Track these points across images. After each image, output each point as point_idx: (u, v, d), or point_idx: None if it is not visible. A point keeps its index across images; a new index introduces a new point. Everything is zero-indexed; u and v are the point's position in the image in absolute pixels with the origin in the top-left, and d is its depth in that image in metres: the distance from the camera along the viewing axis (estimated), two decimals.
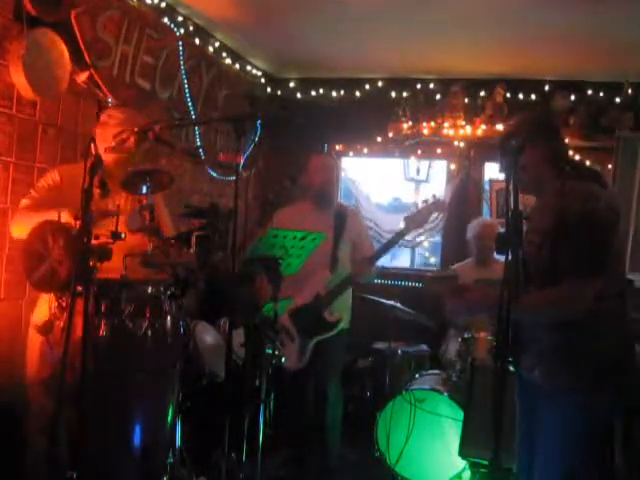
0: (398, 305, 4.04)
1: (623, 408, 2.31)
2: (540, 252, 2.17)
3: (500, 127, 4.94)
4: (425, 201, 3.71)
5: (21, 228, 2.76)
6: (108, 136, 2.83)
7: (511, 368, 2.27)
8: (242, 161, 2.60)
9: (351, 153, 5.70)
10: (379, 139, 5.41)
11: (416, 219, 3.67)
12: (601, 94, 4.90)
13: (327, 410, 3.68)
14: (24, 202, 2.90)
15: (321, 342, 3.62)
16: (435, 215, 4.24)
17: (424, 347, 4.72)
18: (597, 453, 2.13)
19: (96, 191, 2.33)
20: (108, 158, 2.81)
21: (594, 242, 2.09)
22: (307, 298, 3.60)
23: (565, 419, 2.12)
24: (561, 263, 2.10)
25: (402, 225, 3.67)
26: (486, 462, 3.15)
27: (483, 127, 5.07)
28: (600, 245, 2.10)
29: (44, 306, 2.67)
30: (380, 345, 4.65)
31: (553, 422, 2.15)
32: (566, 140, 2.43)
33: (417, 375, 4.11)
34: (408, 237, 5.36)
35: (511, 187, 1.84)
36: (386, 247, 3.77)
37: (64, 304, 2.51)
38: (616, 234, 2.20)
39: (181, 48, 4.20)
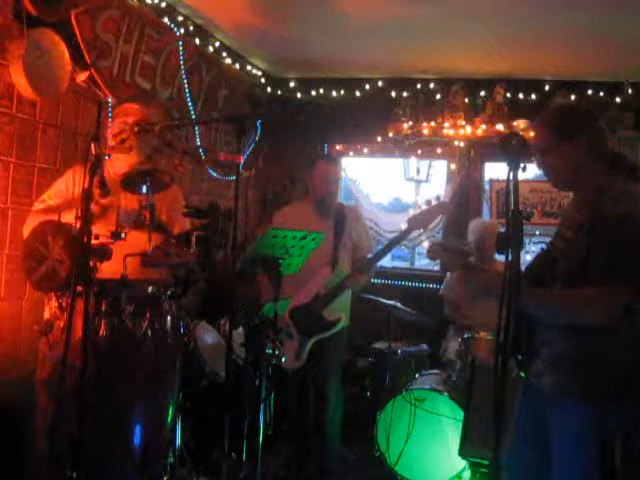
0: (398, 305, 4.03)
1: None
2: (571, 248, 2.07)
3: (500, 127, 4.94)
4: (428, 202, 3.64)
5: None
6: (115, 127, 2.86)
7: (522, 374, 2.18)
8: (242, 161, 2.59)
9: (351, 153, 5.69)
10: (379, 139, 5.40)
11: (419, 221, 3.62)
12: (601, 94, 4.90)
13: (327, 410, 3.67)
14: (38, 206, 2.89)
15: (320, 341, 3.61)
16: (439, 218, 4.17)
17: (424, 347, 4.71)
18: (609, 460, 2.05)
19: (96, 191, 2.33)
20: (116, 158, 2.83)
21: (632, 248, 1.95)
22: (307, 297, 3.59)
23: (576, 427, 2.04)
24: (593, 265, 1.97)
25: (404, 226, 3.64)
26: (486, 462, 3.15)
27: (483, 127, 5.06)
28: (637, 252, 1.96)
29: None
30: (380, 345, 4.65)
31: (563, 430, 2.07)
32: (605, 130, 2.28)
33: (417, 375, 4.11)
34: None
35: (511, 187, 1.83)
36: (387, 248, 3.73)
37: (64, 304, 2.51)
38: None
39: (181, 48, 4.20)
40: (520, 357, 2.08)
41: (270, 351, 2.88)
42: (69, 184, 2.90)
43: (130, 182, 2.72)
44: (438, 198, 3.65)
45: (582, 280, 2.00)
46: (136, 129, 2.79)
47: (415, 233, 5.08)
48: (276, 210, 3.89)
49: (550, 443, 2.13)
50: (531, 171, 3.72)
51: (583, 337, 2.03)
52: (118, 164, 2.94)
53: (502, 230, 1.85)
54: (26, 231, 2.82)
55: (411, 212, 5.35)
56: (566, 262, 2.08)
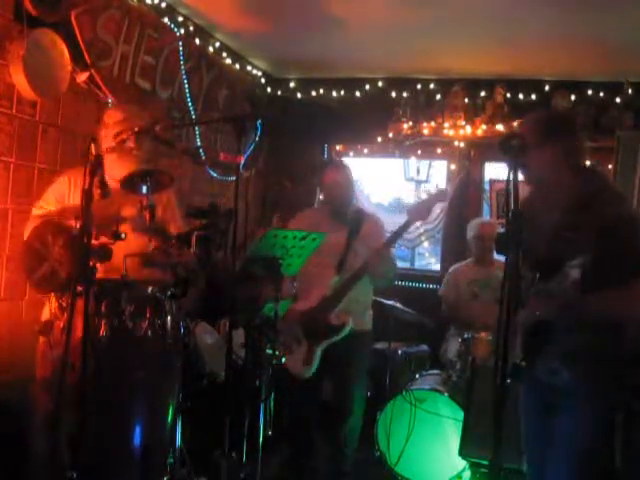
0: (398, 305, 4.03)
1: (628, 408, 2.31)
2: (574, 246, 2.14)
3: (500, 127, 4.94)
4: (428, 192, 3.66)
5: None
6: (109, 137, 2.82)
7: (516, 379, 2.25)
8: (242, 161, 2.59)
9: (351, 153, 5.70)
10: (379, 139, 5.41)
11: (419, 210, 3.53)
12: (601, 94, 4.90)
13: (348, 422, 3.59)
14: (36, 212, 2.88)
15: (336, 349, 3.46)
16: (439, 211, 4.10)
17: (424, 347, 4.71)
18: (609, 452, 2.14)
19: (96, 191, 2.32)
20: (110, 158, 2.80)
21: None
22: (314, 301, 3.50)
23: (591, 420, 2.12)
24: (611, 262, 2.09)
25: (406, 217, 3.58)
26: (486, 462, 3.15)
27: (483, 127, 5.07)
28: None
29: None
30: (380, 345, 4.65)
31: (577, 423, 2.14)
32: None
33: (417, 375, 4.11)
34: (408, 236, 5.39)
35: (511, 187, 1.84)
36: (390, 240, 3.64)
37: (64, 304, 2.51)
38: None
39: (181, 48, 4.20)
40: (520, 361, 2.13)
41: (270, 351, 2.88)
42: (70, 190, 2.88)
43: (130, 182, 2.71)
44: (437, 186, 3.67)
45: (594, 276, 2.09)
46: (136, 129, 2.78)
47: (420, 227, 5.13)
48: (276, 210, 3.88)
49: (557, 434, 2.21)
50: None
51: (590, 331, 2.13)
52: (116, 171, 2.80)
53: (502, 230, 1.87)
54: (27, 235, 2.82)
55: None
56: (570, 261, 2.15)
